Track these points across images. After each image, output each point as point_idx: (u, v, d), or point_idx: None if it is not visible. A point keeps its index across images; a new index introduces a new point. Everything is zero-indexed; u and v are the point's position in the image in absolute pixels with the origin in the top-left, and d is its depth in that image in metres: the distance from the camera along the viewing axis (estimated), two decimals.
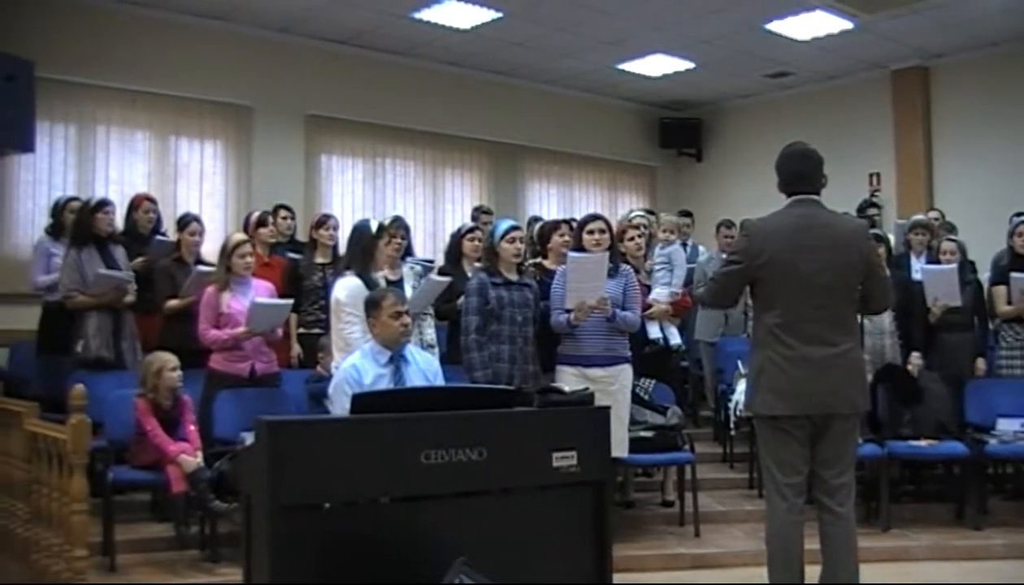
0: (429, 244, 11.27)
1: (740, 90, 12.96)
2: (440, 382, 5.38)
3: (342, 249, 7.13)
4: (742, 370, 8.11)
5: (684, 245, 9.37)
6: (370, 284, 5.83)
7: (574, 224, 6.93)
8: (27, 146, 8.36)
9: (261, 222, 7.91)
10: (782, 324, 4.47)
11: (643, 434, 6.67)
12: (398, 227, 6.42)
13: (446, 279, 6.76)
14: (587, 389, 5.04)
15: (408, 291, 6.14)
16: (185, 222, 7.50)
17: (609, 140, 13.24)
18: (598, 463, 4.27)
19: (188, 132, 10.00)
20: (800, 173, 4.68)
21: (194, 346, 6.55)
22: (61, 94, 9.16)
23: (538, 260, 7.13)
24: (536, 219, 9.54)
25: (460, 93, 11.76)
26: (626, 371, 6.36)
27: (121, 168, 9.53)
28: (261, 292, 6.59)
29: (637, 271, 6.94)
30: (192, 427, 6.12)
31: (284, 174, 10.37)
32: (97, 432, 5.84)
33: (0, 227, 8.93)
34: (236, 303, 6.46)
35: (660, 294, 7.35)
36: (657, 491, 7.48)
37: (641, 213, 8.42)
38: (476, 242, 7.48)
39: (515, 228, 6.43)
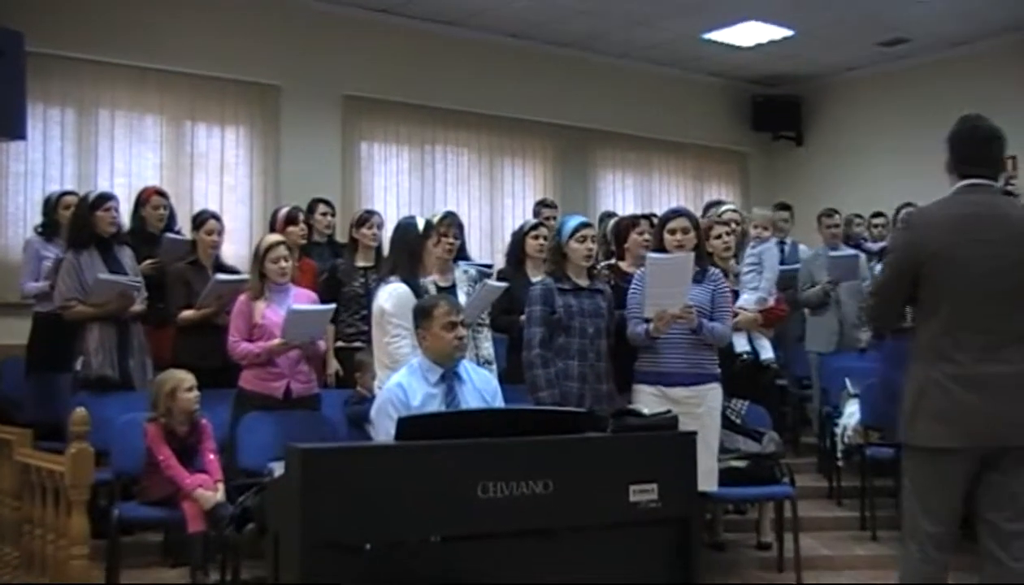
0: (485, 244, 11.35)
1: (847, 61, 12.84)
2: (499, 403, 5.40)
3: (386, 250, 7.17)
4: (851, 390, 8.06)
5: (782, 244, 9.31)
6: (418, 291, 5.87)
7: (654, 220, 6.91)
8: (17, 132, 8.25)
9: (290, 219, 7.93)
10: (948, 336, 4.22)
11: (735, 464, 6.63)
12: (449, 225, 6.43)
13: (505, 284, 6.77)
14: (669, 412, 5.00)
15: (462, 299, 6.16)
16: (201, 219, 7.52)
17: (694, 122, 13.20)
18: (683, 497, 4.24)
19: (206, 116, 10.10)
20: (982, 154, 4.40)
21: (214, 363, 6.63)
22: (57, 72, 9.24)
23: (612, 262, 7.13)
24: (610, 215, 9.53)
25: (521, 69, 11.79)
26: (714, 391, 6.33)
27: (128, 158, 9.61)
28: (302, 300, 6.67)
29: (727, 274, 6.91)
30: (212, 456, 6.18)
31: (318, 165, 10.44)
32: (101, 462, 5.92)
33: None
34: (272, 313, 6.53)
35: (747, 300, 7.32)
36: (751, 531, 7.44)
37: (732, 207, 8.38)
38: (540, 242, 7.49)
39: (585, 225, 6.43)
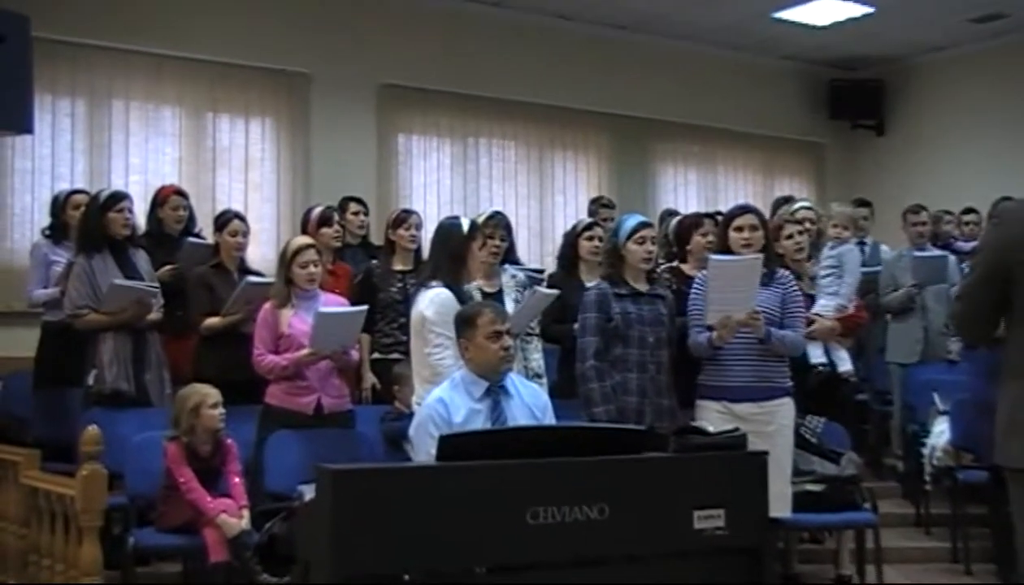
0: (535, 246, 11.35)
1: (935, 40, 12.74)
2: (550, 420, 5.42)
3: (426, 253, 7.18)
4: (940, 406, 7.99)
5: (861, 244, 9.26)
6: (461, 297, 5.90)
7: (719, 219, 6.89)
8: (23, 126, 8.21)
9: (324, 220, 7.93)
10: None
11: (810, 488, 6.61)
12: (496, 225, 6.44)
13: (554, 292, 6.77)
14: (737, 430, 5.00)
15: (509, 306, 6.17)
16: (224, 220, 7.56)
17: (763, 111, 13.14)
18: (752, 524, 4.23)
19: (229, 107, 10.15)
20: None
21: (239, 376, 6.65)
22: (66, 59, 9.30)
23: (674, 265, 7.12)
24: (671, 213, 9.49)
25: (573, 54, 11.79)
26: (786, 407, 6.32)
27: (144, 153, 9.66)
28: (332, 306, 6.70)
29: (799, 277, 6.89)
30: (237, 479, 6.21)
31: (351, 160, 10.46)
32: (115, 486, 5.95)
33: None
34: (300, 322, 6.56)
35: (824, 306, 7.26)
36: (829, 563, 7.40)
37: (806, 203, 8.34)
38: (595, 243, 7.50)
39: (644, 225, 6.44)
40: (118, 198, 7.18)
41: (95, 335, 6.95)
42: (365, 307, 6.84)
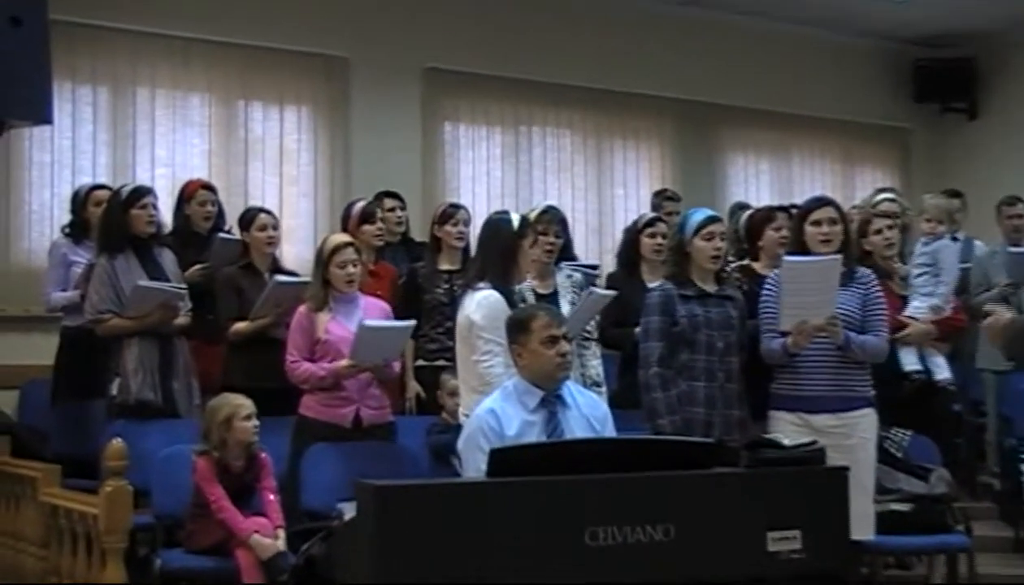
0: (593, 243, 11.34)
1: None
2: (610, 432, 5.43)
3: (474, 251, 7.19)
4: None
5: (954, 239, 9.17)
6: (512, 299, 5.92)
7: (794, 212, 6.87)
8: (42, 116, 8.22)
9: (366, 217, 7.95)
10: None
11: (896, 507, 6.57)
12: (550, 221, 6.44)
13: (611, 292, 6.77)
14: (815, 443, 4.98)
15: (565, 308, 6.17)
16: (250, 216, 7.64)
17: (843, 94, 13.05)
18: (832, 547, 4.22)
19: (262, 95, 10.17)
20: None
21: (272, 385, 6.69)
22: (87, 44, 9.33)
23: (745, 263, 7.10)
24: (741, 206, 9.46)
25: (634, 33, 11.74)
26: (868, 418, 6.30)
27: (170, 145, 9.68)
28: (373, 313, 6.72)
29: (888, 276, 6.84)
30: (272, 496, 6.26)
31: (394, 150, 10.44)
32: (141, 504, 6.01)
33: (7, 227, 9.05)
34: (337, 327, 6.60)
35: (918, 308, 7.19)
36: None
37: (891, 196, 8.27)
38: (658, 240, 7.52)
39: (712, 220, 6.43)
40: (142, 193, 7.23)
41: (118, 341, 7.00)
42: (412, 322, 6.89)
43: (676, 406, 6.13)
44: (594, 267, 8.05)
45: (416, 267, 7.87)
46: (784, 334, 6.17)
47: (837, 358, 6.20)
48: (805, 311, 6.08)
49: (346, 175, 10.34)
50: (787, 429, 6.02)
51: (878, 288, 6.46)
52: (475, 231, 7.28)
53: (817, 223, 6.31)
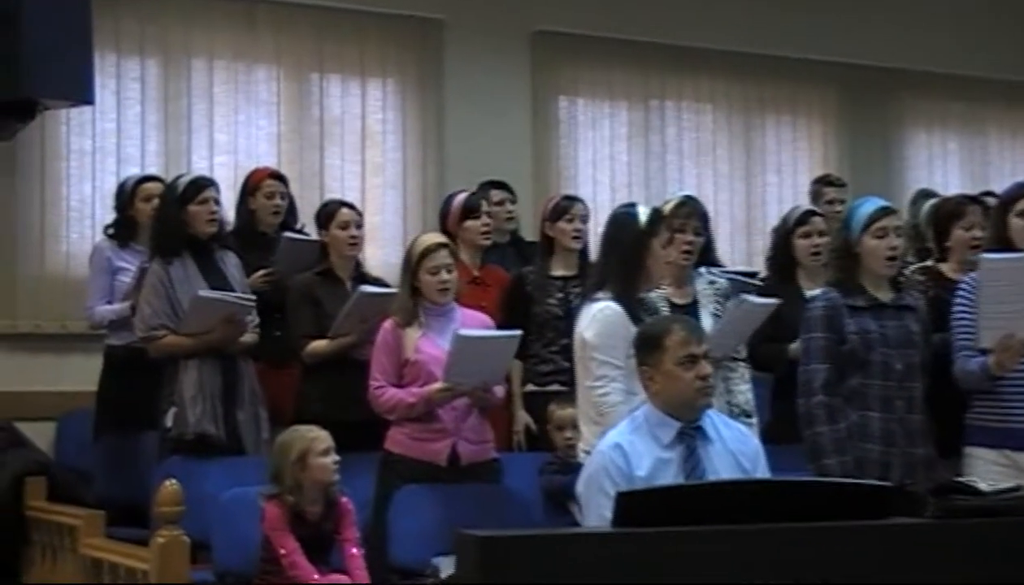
0: (740, 242, 11.30)
1: None
2: (763, 473, 5.39)
3: (593, 255, 7.17)
4: None
5: None
6: (636, 311, 5.89)
7: (992, 202, 6.77)
8: (82, 95, 8.27)
9: (469, 210, 7.99)
10: None
11: None
12: (688, 215, 6.41)
13: (772, 301, 6.69)
14: (1022, 488, 4.90)
15: (706, 322, 6.13)
16: (330, 211, 7.66)
17: None
18: None
19: (339, 66, 10.21)
20: None
21: (353, 415, 6.74)
22: (133, 9, 9.41)
23: (929, 264, 7.01)
24: (925, 195, 9.37)
25: None
26: None
27: (232, 127, 9.74)
28: (472, 327, 6.71)
29: None
30: (355, 550, 6.26)
31: (498, 131, 10.44)
32: (199, 557, 6.08)
33: (41, 228, 9.08)
34: (429, 345, 6.61)
35: None
36: None
37: None
38: (815, 239, 7.47)
39: (886, 212, 6.36)
40: (201, 186, 7.27)
41: (174, 364, 7.05)
42: (519, 332, 6.84)
43: (845, 442, 6.07)
44: (751, 274, 7.96)
45: (524, 273, 7.86)
46: (984, 352, 6.08)
47: None
48: (1011, 323, 5.98)
49: (440, 162, 10.33)
50: (987, 470, 5.94)
51: None
52: (596, 229, 7.26)
53: (1023, 214, 6.22)
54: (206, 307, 6.99)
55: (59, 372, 8.63)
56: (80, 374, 8.09)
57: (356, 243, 7.59)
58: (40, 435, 8.15)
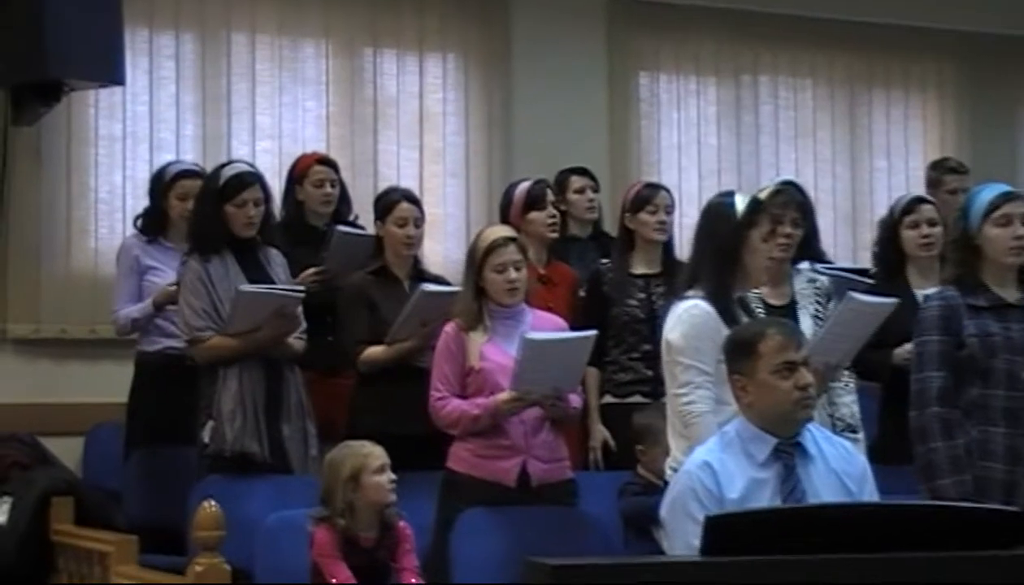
0: (844, 235, 11.23)
1: None
2: (870, 495, 5.34)
3: (680, 249, 7.13)
4: None
5: None
6: (731, 312, 5.84)
7: None
8: (111, 75, 8.32)
9: (534, 200, 7.96)
10: None
11: None
12: (786, 204, 6.39)
13: (888, 301, 6.63)
14: None
15: (806, 325, 6.09)
16: (388, 202, 7.62)
17: None
18: None
19: (395, 40, 10.19)
20: None
21: (416, 430, 6.74)
22: None
23: None
24: None
25: None
26: None
27: (276, 109, 9.76)
28: (544, 329, 6.69)
29: None
30: (414, 580, 6.24)
31: (572, 112, 10.42)
32: None
33: (66, 222, 9.11)
34: (496, 352, 6.60)
35: None
36: None
37: None
38: (924, 229, 7.43)
39: (1009, 197, 6.31)
40: (242, 184, 7.23)
41: (212, 371, 7.06)
42: (593, 332, 6.82)
43: (964, 461, 6.02)
44: (862, 272, 7.87)
45: (601, 270, 7.84)
46: None
47: None
48: None
49: (506, 147, 10.33)
50: None
51: None
52: (683, 220, 7.21)
53: None
54: (252, 303, 7.00)
55: (87, 382, 8.66)
56: (110, 384, 8.12)
57: (412, 243, 7.55)
58: (66, 451, 8.20)
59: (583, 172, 8.78)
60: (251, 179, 7.29)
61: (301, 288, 7.27)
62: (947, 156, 10.48)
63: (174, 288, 7.30)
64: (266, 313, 7.01)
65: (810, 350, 5.54)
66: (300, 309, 7.21)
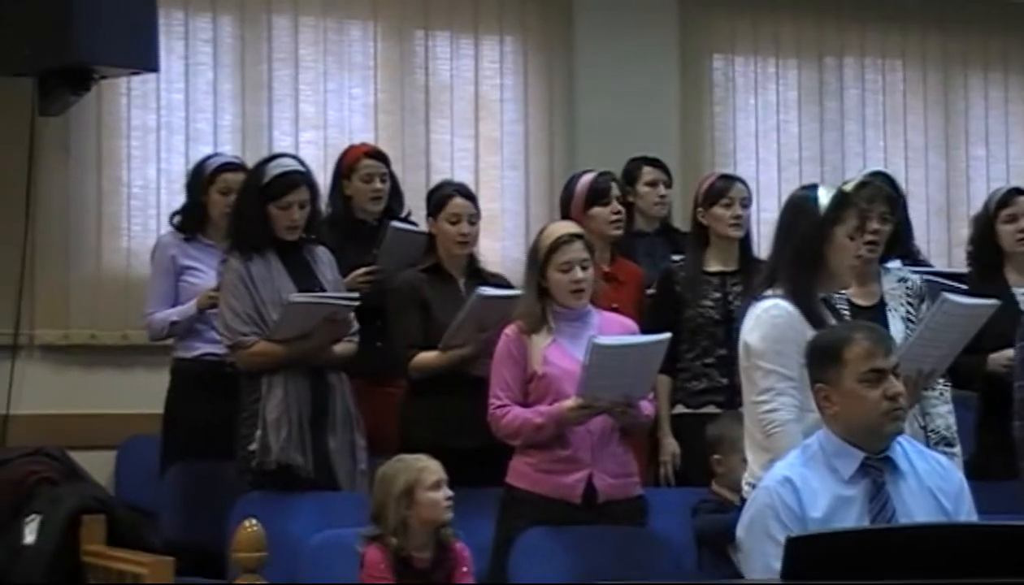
0: (938, 231, 11.21)
1: None
2: (968, 514, 5.33)
3: (758, 246, 7.15)
4: None
5: None
6: (816, 314, 5.85)
7: None
8: (145, 61, 8.38)
9: (596, 194, 7.93)
10: None
11: None
12: (874, 196, 6.39)
13: (987, 302, 6.62)
14: None
15: (896, 328, 6.11)
16: (442, 197, 7.60)
17: None
18: None
19: (448, 22, 10.24)
20: None
21: (474, 442, 6.77)
22: None
23: None
24: None
25: None
26: None
27: (321, 97, 9.80)
28: (612, 332, 6.71)
29: None
30: None
31: (640, 100, 10.42)
32: None
33: (97, 219, 9.14)
34: (561, 356, 6.62)
35: None
36: None
37: None
38: (1022, 223, 7.44)
39: None
40: (287, 186, 7.20)
41: (254, 379, 7.07)
42: (667, 335, 6.80)
43: None
44: (958, 276, 7.83)
45: (672, 268, 7.85)
46: None
47: None
48: None
49: (569, 137, 10.35)
50: None
51: None
52: (761, 215, 7.22)
53: None
54: (302, 312, 7.02)
55: (119, 391, 8.72)
56: (144, 393, 8.19)
57: (466, 242, 7.50)
58: (97, 466, 8.12)
59: (656, 163, 8.77)
60: (298, 179, 7.26)
61: (355, 295, 7.28)
62: None
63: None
64: (316, 320, 7.02)
65: (900, 356, 5.51)
66: (352, 320, 7.25)
